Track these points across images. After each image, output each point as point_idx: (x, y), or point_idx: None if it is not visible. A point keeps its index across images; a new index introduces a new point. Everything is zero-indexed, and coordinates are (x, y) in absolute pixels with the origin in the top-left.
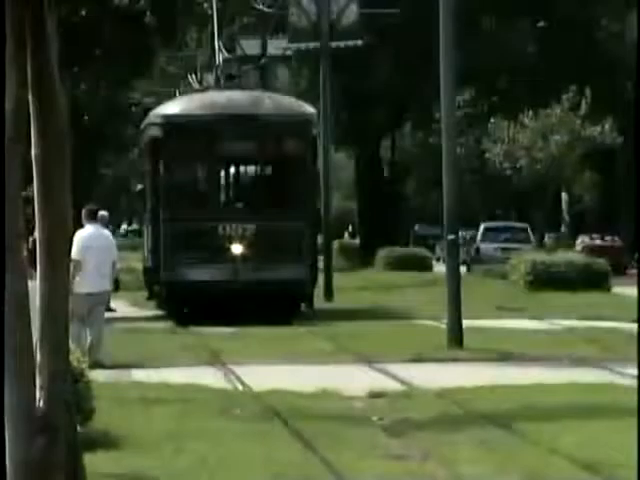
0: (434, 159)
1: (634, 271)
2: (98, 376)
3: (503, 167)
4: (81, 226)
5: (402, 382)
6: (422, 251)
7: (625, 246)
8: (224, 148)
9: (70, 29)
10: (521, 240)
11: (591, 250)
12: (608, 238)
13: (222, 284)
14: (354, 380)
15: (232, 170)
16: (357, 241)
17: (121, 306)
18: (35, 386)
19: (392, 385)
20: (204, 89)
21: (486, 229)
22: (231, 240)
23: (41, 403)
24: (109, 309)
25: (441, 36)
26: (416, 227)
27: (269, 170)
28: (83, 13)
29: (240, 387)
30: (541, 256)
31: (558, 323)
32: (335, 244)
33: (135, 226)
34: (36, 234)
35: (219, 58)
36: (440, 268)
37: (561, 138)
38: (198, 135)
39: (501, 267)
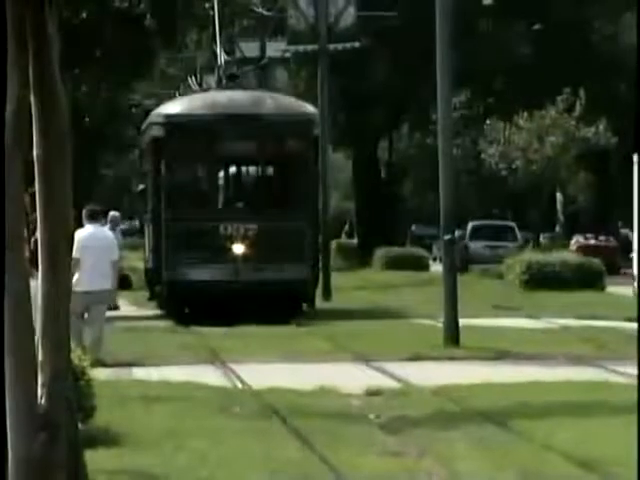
0: (431, 160)
1: (628, 271)
2: (99, 374)
3: (499, 168)
4: (81, 226)
5: (399, 380)
6: (419, 251)
7: (619, 246)
8: (226, 148)
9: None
10: (508, 239)
11: (586, 250)
12: (602, 238)
13: (224, 284)
14: (352, 378)
15: (234, 170)
16: (355, 241)
17: (122, 305)
18: (36, 384)
19: (389, 383)
20: (204, 91)
21: (474, 228)
22: (233, 240)
23: (42, 401)
24: (115, 307)
25: (437, 38)
26: (413, 227)
27: (270, 170)
28: (84, 15)
29: (239, 385)
30: (536, 256)
31: (553, 322)
32: (333, 244)
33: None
34: (37, 234)
35: (221, 58)
36: (437, 268)
37: (556, 139)
38: (200, 135)
39: (488, 266)
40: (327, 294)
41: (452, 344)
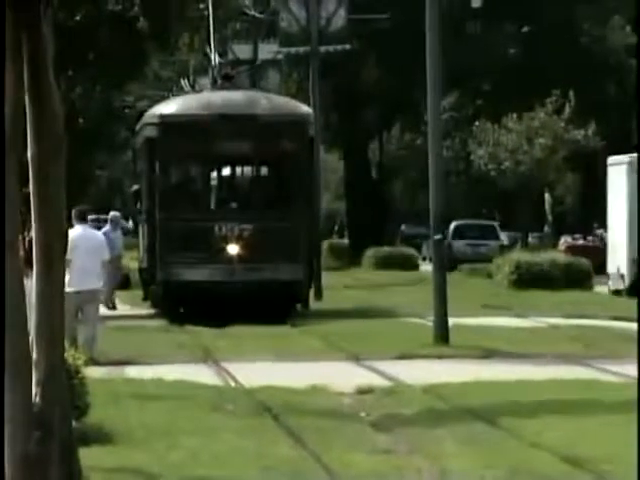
0: (421, 161)
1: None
2: (93, 373)
3: (488, 169)
4: (72, 226)
5: (390, 378)
6: (409, 250)
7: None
8: (220, 148)
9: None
10: (489, 237)
11: (574, 250)
12: (590, 238)
13: (218, 284)
14: (343, 377)
15: (228, 170)
16: (346, 241)
17: (116, 304)
18: (32, 382)
19: (380, 381)
20: (197, 92)
21: (456, 227)
22: (227, 240)
23: (37, 399)
24: (113, 307)
25: (427, 41)
26: (403, 227)
27: (265, 170)
28: (78, 18)
29: (232, 384)
30: (525, 256)
31: (542, 321)
32: (324, 244)
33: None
34: (32, 233)
35: (215, 59)
36: (426, 267)
37: (545, 141)
38: (194, 135)
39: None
40: (318, 294)
41: (442, 343)
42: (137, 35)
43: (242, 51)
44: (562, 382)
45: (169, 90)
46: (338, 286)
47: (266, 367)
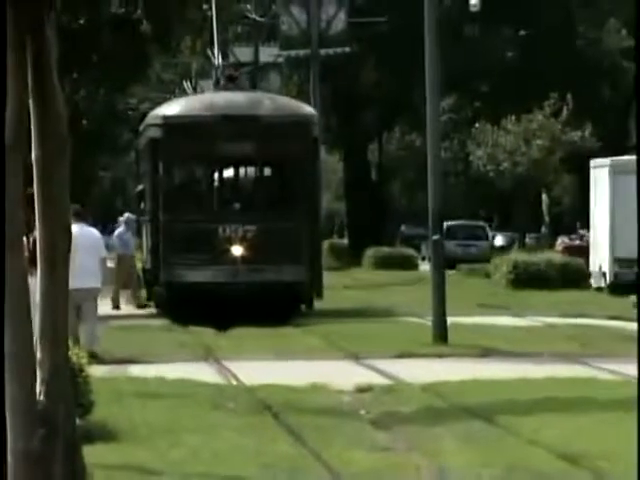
0: (420, 162)
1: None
2: (96, 371)
3: (486, 170)
4: None
5: (389, 377)
6: (408, 251)
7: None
8: (224, 149)
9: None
10: (479, 238)
11: (571, 250)
12: (573, 236)
13: (222, 285)
14: (343, 375)
15: (232, 171)
16: (346, 241)
17: (120, 304)
18: (35, 381)
19: (379, 380)
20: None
21: (448, 228)
22: (231, 241)
23: (41, 397)
24: (117, 307)
25: (426, 43)
26: (402, 227)
27: (269, 171)
28: (82, 21)
29: (233, 382)
30: (522, 256)
31: (539, 320)
32: (325, 244)
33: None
34: (36, 233)
35: (218, 60)
36: (425, 267)
37: (542, 142)
38: (198, 136)
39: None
40: (319, 293)
41: (440, 342)
42: (140, 38)
43: (243, 54)
44: (559, 380)
45: (172, 92)
46: (338, 286)
47: (266, 365)
